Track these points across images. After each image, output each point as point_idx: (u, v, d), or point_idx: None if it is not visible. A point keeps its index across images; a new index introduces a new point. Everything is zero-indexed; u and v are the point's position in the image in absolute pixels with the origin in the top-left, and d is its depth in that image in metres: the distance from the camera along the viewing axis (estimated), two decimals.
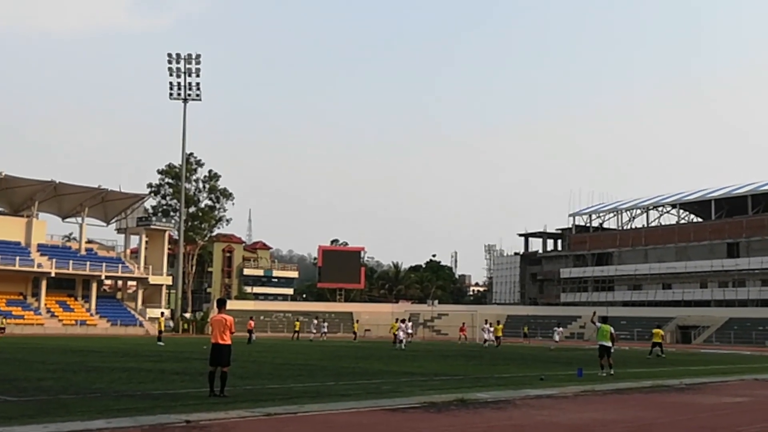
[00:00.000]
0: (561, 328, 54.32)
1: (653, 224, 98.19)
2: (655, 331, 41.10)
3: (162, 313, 54.49)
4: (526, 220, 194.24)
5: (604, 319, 24.60)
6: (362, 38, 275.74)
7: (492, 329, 53.17)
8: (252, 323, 54.72)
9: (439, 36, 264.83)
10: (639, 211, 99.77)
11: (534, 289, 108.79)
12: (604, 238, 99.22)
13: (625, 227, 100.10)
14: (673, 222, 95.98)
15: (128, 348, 38.04)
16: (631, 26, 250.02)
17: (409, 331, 55.51)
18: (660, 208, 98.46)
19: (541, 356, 37.03)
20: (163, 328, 49.28)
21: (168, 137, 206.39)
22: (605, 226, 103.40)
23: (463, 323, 65.40)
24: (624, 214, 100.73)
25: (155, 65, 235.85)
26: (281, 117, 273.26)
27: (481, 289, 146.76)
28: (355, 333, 64.53)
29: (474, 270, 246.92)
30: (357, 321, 70.09)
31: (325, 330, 62.06)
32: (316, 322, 64.25)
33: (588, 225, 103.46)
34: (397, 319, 52.33)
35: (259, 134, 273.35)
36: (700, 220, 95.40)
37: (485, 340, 53.35)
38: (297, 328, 60.91)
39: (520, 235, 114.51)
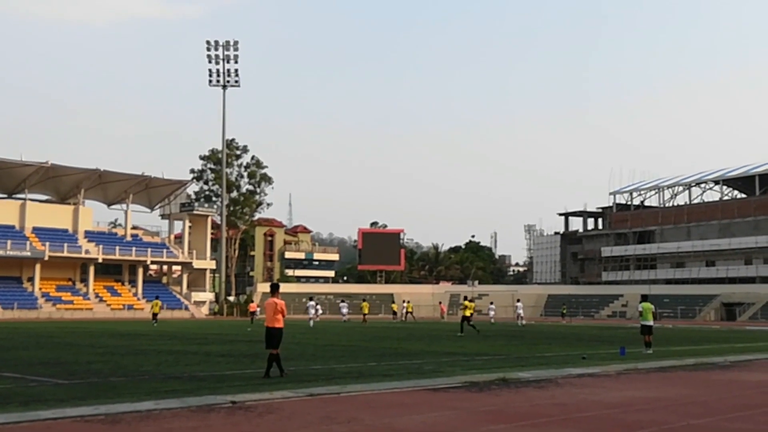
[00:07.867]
0: (520, 303, 53.88)
1: (696, 201, 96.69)
2: (466, 303, 35.74)
3: (156, 297, 54.87)
4: (566, 199, 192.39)
5: (645, 297, 24.37)
6: (407, 16, 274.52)
7: (521, 306, 53.59)
8: (253, 305, 57.12)
9: (483, 22, 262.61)
10: (681, 188, 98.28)
11: (575, 268, 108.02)
12: (645, 216, 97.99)
13: (666, 204, 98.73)
14: (716, 199, 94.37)
15: (174, 331, 38.67)
16: (684, 6, 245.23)
17: (320, 312, 56.71)
18: (702, 185, 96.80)
19: (583, 335, 36.84)
20: (157, 311, 49.17)
21: (210, 124, 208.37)
22: (646, 203, 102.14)
23: (440, 302, 71.59)
24: (666, 192, 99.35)
25: (194, 53, 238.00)
26: (320, 101, 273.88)
27: (522, 269, 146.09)
28: (395, 313, 64.37)
29: (514, 251, 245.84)
30: (406, 301, 66.75)
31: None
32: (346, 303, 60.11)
33: (629, 203, 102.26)
34: (363, 299, 53.30)
35: (298, 118, 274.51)
36: (743, 196, 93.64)
37: (519, 318, 53.42)
38: (366, 311, 55.22)
39: (560, 214, 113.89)
